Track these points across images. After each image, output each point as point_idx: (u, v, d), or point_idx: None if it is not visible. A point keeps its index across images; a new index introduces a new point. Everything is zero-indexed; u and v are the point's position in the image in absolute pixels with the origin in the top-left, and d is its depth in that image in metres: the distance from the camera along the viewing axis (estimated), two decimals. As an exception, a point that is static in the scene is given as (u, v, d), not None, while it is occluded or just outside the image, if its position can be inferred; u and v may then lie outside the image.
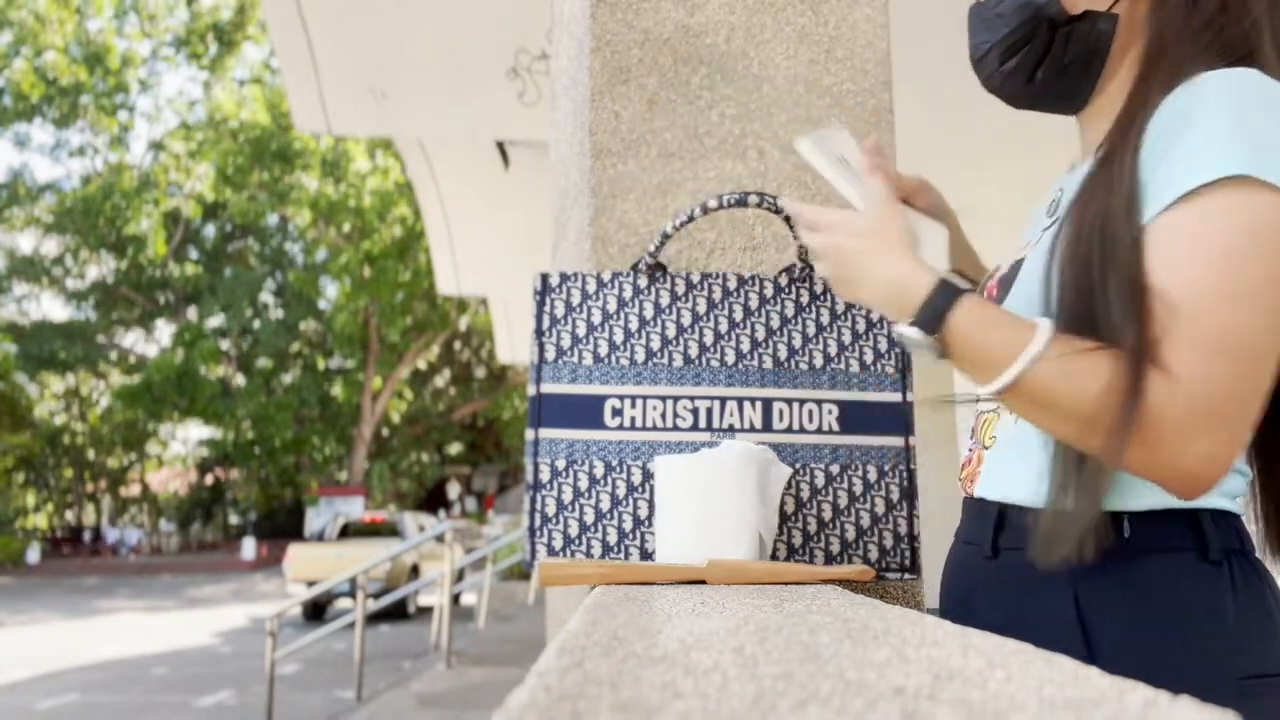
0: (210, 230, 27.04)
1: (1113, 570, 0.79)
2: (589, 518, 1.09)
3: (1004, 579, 0.87)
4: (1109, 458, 0.72)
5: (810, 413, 1.12)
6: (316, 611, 11.47)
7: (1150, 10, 0.86)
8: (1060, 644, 0.78)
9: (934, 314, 0.80)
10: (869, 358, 1.16)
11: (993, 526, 0.90)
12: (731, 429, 1.10)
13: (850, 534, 1.11)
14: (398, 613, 11.79)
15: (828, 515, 1.10)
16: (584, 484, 1.09)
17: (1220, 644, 0.77)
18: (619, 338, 1.13)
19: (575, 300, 1.14)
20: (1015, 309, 0.85)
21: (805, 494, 1.10)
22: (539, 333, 1.14)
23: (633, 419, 1.10)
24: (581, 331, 1.13)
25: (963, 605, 0.93)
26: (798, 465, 1.10)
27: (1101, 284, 0.76)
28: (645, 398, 1.11)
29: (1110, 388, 0.71)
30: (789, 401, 1.12)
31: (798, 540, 1.10)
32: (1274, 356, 0.72)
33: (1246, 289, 0.71)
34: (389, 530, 13.96)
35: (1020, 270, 0.89)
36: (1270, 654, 0.78)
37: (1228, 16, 0.83)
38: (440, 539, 10.11)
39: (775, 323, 1.15)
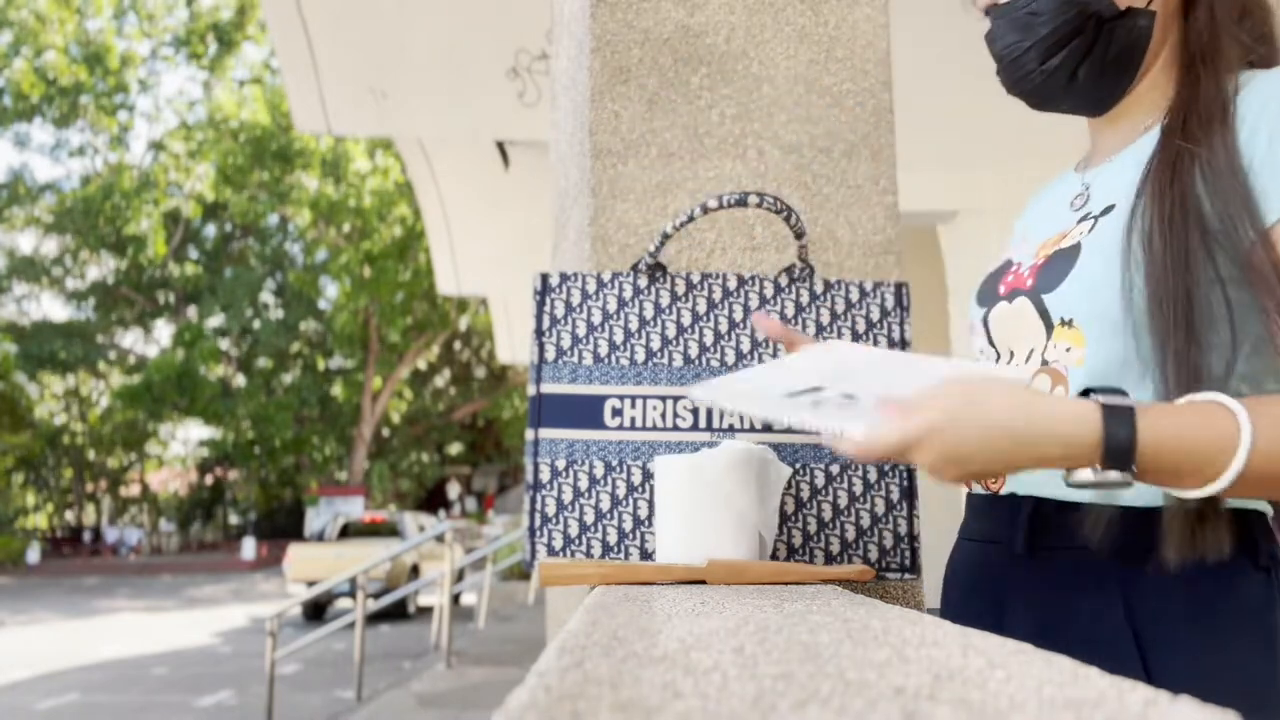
0: (210, 230, 27.04)
1: (1165, 574, 0.76)
2: (589, 518, 1.09)
3: (1043, 579, 0.85)
4: None
5: (810, 413, 1.12)
6: (316, 611, 11.47)
7: (1197, 4, 0.87)
8: (1110, 646, 0.77)
9: (1124, 448, 0.68)
10: (869, 358, 1.16)
11: (1026, 524, 0.87)
12: (731, 429, 1.10)
13: (850, 534, 1.11)
14: (398, 613, 11.79)
15: (828, 515, 1.10)
16: (584, 484, 1.09)
17: (1270, 650, 0.76)
18: (619, 338, 1.13)
19: (575, 300, 1.14)
20: (1074, 297, 0.83)
21: (805, 494, 1.10)
22: (539, 333, 1.14)
23: (633, 419, 1.10)
24: (581, 331, 1.13)
25: (990, 607, 0.90)
26: (798, 465, 1.10)
27: (1212, 276, 0.75)
28: (645, 398, 1.11)
29: None
30: (789, 401, 1.12)
31: (798, 540, 1.10)
32: None
33: None
34: (389, 530, 13.96)
35: (1078, 260, 0.85)
36: None
37: (1256, 16, 0.86)
38: (440, 539, 10.10)
39: (775, 323, 1.15)
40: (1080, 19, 0.85)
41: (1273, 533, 0.81)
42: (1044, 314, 0.86)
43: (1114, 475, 0.69)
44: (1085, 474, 0.70)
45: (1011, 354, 0.93)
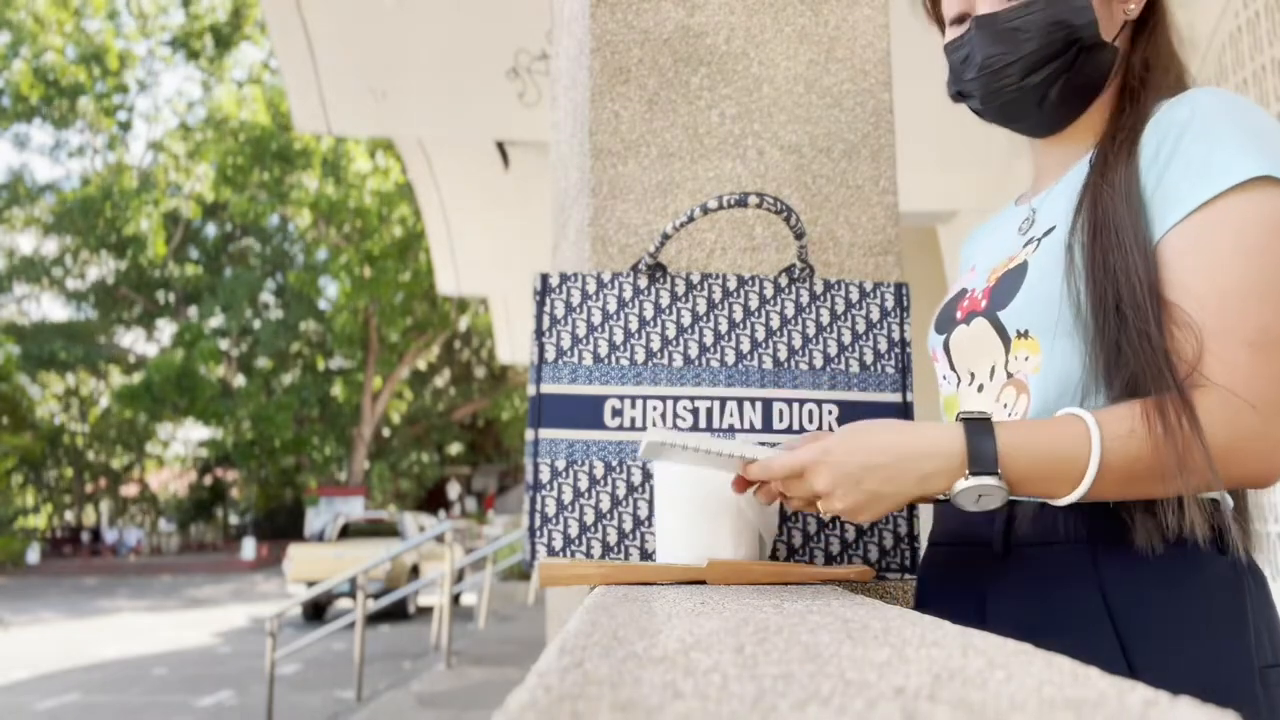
0: (210, 230, 27.03)
1: (1139, 562, 0.80)
2: (589, 518, 1.09)
3: (1022, 576, 0.87)
4: (1204, 486, 0.75)
5: (810, 413, 1.12)
6: (316, 611, 11.47)
7: (1139, 40, 0.94)
8: (1090, 637, 0.80)
9: (987, 454, 0.77)
10: (869, 358, 1.16)
11: (1004, 524, 0.89)
12: (731, 429, 1.10)
13: (850, 534, 1.11)
14: (398, 613, 11.79)
15: (828, 516, 1.10)
16: (584, 484, 1.09)
17: (1242, 635, 0.79)
18: (619, 338, 1.13)
19: (575, 300, 1.14)
20: (1026, 309, 0.88)
21: (805, 494, 1.10)
22: (539, 333, 1.14)
23: (633, 419, 1.10)
24: (581, 332, 1.13)
25: (974, 609, 0.91)
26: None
27: (1116, 298, 0.80)
28: (645, 398, 1.11)
29: (1172, 430, 0.74)
30: (789, 402, 1.12)
31: (798, 540, 1.10)
32: None
33: (1274, 283, 0.76)
34: (389, 530, 13.97)
35: (1026, 277, 0.90)
36: (1277, 643, 0.82)
37: (1174, 66, 0.93)
38: (440, 539, 10.10)
39: (775, 323, 1.15)
40: (1065, 43, 0.90)
41: (1238, 521, 0.85)
42: (1000, 330, 0.92)
43: (988, 481, 0.76)
44: (961, 483, 0.78)
45: (972, 375, 0.97)
